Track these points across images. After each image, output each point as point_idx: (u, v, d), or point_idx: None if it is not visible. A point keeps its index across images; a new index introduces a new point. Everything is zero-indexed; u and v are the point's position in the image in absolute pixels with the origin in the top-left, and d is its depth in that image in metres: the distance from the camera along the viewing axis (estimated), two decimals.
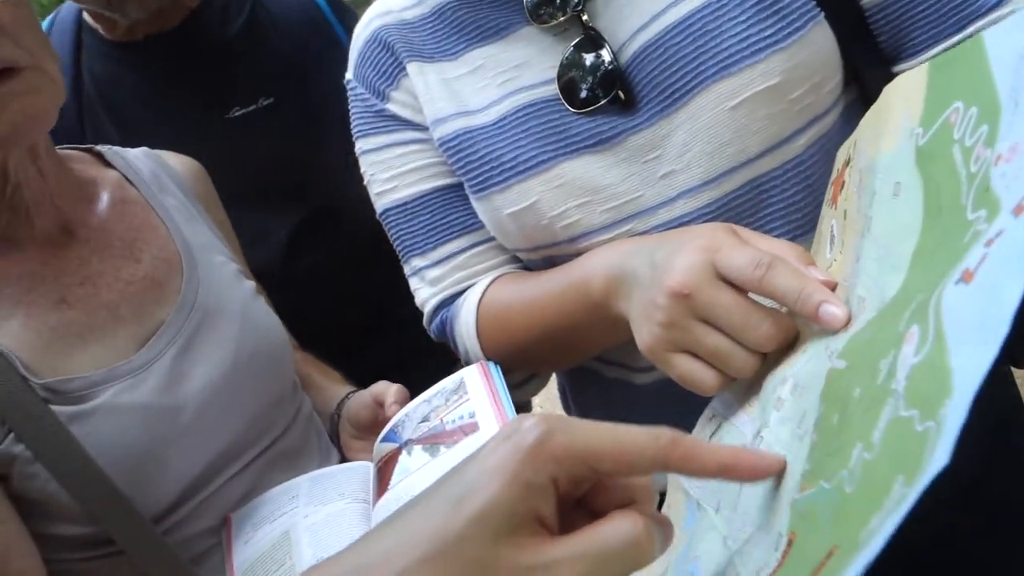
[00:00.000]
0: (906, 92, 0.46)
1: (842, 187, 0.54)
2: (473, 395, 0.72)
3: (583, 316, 0.68)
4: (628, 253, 0.62)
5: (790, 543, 0.37)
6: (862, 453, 0.34)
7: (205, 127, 1.15)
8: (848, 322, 0.44)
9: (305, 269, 1.22)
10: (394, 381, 0.86)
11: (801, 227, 0.71)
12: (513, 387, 0.79)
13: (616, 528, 0.37)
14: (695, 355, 0.53)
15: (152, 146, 0.98)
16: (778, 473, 0.41)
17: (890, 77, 0.69)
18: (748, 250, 0.50)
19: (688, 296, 0.51)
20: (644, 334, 0.56)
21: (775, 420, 0.46)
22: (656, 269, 0.55)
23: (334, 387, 0.98)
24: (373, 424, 0.86)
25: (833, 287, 0.49)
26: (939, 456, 0.28)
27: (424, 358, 1.02)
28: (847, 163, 0.54)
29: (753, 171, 0.69)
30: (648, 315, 0.55)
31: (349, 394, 0.94)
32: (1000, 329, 0.28)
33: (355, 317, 1.25)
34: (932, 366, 0.31)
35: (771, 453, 0.42)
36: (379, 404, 0.86)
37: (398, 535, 0.38)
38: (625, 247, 0.63)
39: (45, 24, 1.25)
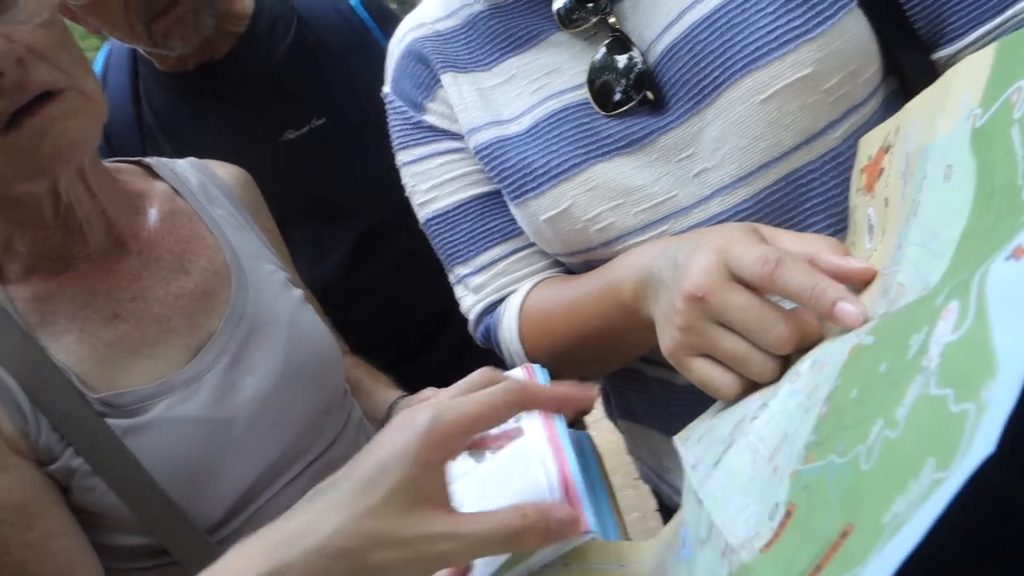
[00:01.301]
0: (969, 73, 0.44)
1: (880, 174, 0.52)
2: None
3: (618, 319, 0.67)
4: (656, 254, 0.60)
5: (789, 514, 0.37)
6: (883, 430, 0.32)
7: (260, 152, 1.17)
8: (865, 320, 0.42)
9: (366, 281, 1.25)
10: (448, 384, 0.86)
11: (842, 220, 0.68)
12: None
13: (509, 515, 0.45)
14: (715, 359, 0.52)
15: None
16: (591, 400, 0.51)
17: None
18: (758, 248, 0.48)
19: (702, 299, 0.50)
20: (665, 338, 0.55)
21: (785, 392, 0.45)
22: (676, 271, 0.54)
23: (384, 392, 0.98)
24: None
25: (872, 276, 0.47)
26: (982, 441, 0.26)
27: (480, 363, 1.02)
28: (886, 149, 0.52)
29: (789, 165, 0.67)
30: (668, 318, 0.54)
31: (398, 399, 0.94)
32: None
33: (414, 324, 1.27)
34: (971, 344, 0.29)
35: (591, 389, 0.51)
36: None
37: (316, 512, 0.45)
38: (655, 248, 0.62)
39: (102, 54, 1.29)
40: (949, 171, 0.42)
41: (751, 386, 0.50)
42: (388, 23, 1.25)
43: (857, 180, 0.56)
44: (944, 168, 0.43)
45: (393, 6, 1.40)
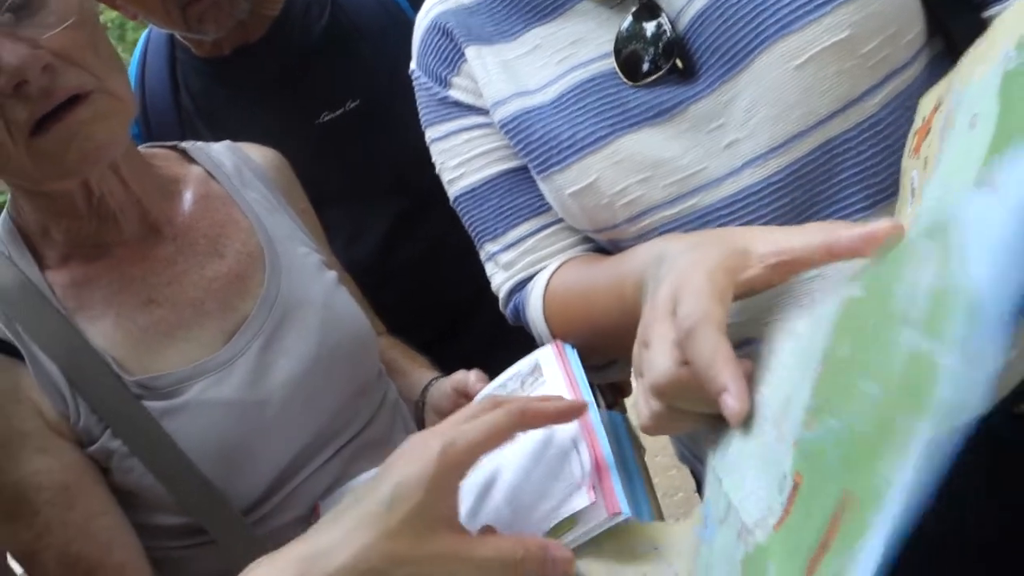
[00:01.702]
0: (1014, 16, 0.42)
1: (927, 134, 0.50)
2: (549, 377, 0.70)
3: (620, 318, 0.65)
4: (653, 260, 0.58)
5: (796, 486, 0.36)
6: (874, 389, 0.31)
7: (298, 135, 1.18)
8: (742, 420, 0.42)
9: (402, 262, 1.24)
10: (490, 365, 0.86)
11: (881, 192, 0.65)
12: (595, 370, 0.78)
13: (519, 545, 0.50)
14: None
15: None
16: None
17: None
18: (689, 305, 0.46)
19: (646, 325, 0.50)
20: (633, 353, 0.54)
21: (787, 352, 0.43)
22: (654, 290, 0.53)
23: (419, 373, 0.97)
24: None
25: (901, 231, 0.44)
26: (973, 397, 0.25)
27: (515, 343, 1.02)
28: (936, 108, 0.50)
29: (824, 134, 0.65)
30: (637, 334, 0.53)
31: (433, 380, 0.94)
32: None
33: (449, 305, 1.27)
34: (952, 287, 0.28)
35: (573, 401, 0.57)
36: (459, 393, 0.85)
37: (339, 531, 0.49)
38: (655, 250, 0.60)
39: (140, 41, 1.30)
40: (975, 119, 0.40)
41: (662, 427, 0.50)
42: (420, 3, 1.24)
43: (909, 143, 0.54)
44: (971, 117, 0.41)
45: None
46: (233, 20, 1.10)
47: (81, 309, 0.76)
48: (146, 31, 1.29)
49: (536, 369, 0.73)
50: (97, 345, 0.74)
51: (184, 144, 0.93)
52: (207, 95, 1.21)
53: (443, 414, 0.88)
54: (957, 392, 0.25)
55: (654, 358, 0.47)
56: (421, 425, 0.93)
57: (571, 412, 0.57)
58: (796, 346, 0.43)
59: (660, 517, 0.61)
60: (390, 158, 1.20)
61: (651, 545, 0.56)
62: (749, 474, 0.42)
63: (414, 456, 0.51)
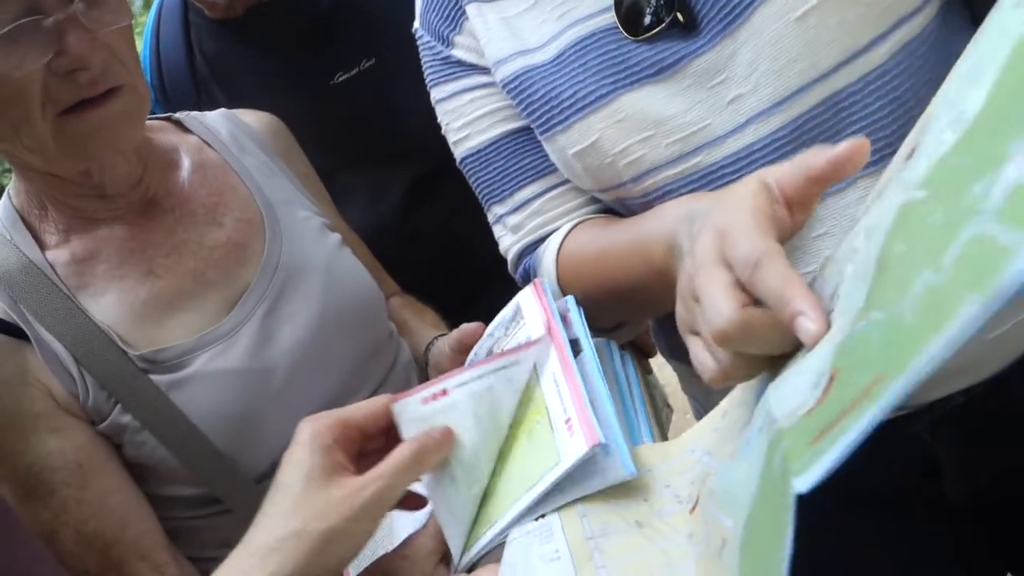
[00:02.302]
0: None
1: None
2: (528, 318, 0.69)
3: (649, 279, 0.65)
4: (682, 219, 0.57)
5: (832, 379, 0.35)
6: (929, 277, 0.30)
7: (313, 95, 1.16)
8: (818, 341, 0.40)
9: (422, 224, 1.24)
10: None
11: (889, 145, 0.63)
12: (603, 332, 0.77)
13: (400, 450, 0.55)
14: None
15: None
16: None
17: None
18: (747, 243, 0.45)
19: (691, 277, 0.48)
20: (676, 311, 0.53)
21: (850, 273, 0.42)
22: (690, 245, 0.52)
23: (426, 331, 0.97)
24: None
25: (862, 145, 0.44)
26: (1019, 268, 0.24)
27: None
28: None
29: (828, 87, 0.62)
30: (678, 292, 0.52)
31: (435, 339, 0.94)
32: None
33: (471, 267, 1.26)
34: None
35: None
36: (456, 352, 0.84)
37: (264, 511, 0.54)
38: (682, 210, 0.59)
39: (154, 5, 1.28)
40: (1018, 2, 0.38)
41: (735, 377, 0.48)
42: None
43: None
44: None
45: None
46: None
47: (83, 287, 0.76)
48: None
49: (517, 313, 0.72)
50: (101, 322, 0.74)
51: (178, 115, 0.92)
52: (221, 58, 1.20)
53: (443, 372, 0.88)
54: (1011, 265, 0.25)
55: (715, 305, 0.45)
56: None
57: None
58: (855, 264, 0.42)
59: (664, 438, 0.61)
60: (407, 118, 1.17)
61: (644, 468, 0.56)
62: (790, 377, 0.41)
63: (293, 441, 0.56)
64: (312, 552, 0.51)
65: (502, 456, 0.61)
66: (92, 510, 0.71)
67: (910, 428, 0.72)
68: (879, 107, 0.63)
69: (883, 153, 0.63)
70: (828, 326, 0.40)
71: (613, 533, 0.52)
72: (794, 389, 0.40)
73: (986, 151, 0.33)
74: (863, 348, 0.34)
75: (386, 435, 0.58)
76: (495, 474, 0.61)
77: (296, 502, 0.52)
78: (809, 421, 0.35)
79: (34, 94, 0.67)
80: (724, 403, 0.53)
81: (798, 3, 0.60)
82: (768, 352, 0.45)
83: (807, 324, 0.40)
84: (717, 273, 0.46)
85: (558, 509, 0.54)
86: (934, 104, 0.42)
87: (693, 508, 0.51)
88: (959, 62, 0.41)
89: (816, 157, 0.46)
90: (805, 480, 0.32)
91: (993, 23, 0.40)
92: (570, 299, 0.70)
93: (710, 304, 0.45)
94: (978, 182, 0.31)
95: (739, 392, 0.53)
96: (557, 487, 0.54)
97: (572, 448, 0.54)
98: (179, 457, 0.74)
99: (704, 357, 0.48)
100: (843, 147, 0.44)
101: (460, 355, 0.84)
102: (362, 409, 0.57)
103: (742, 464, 0.45)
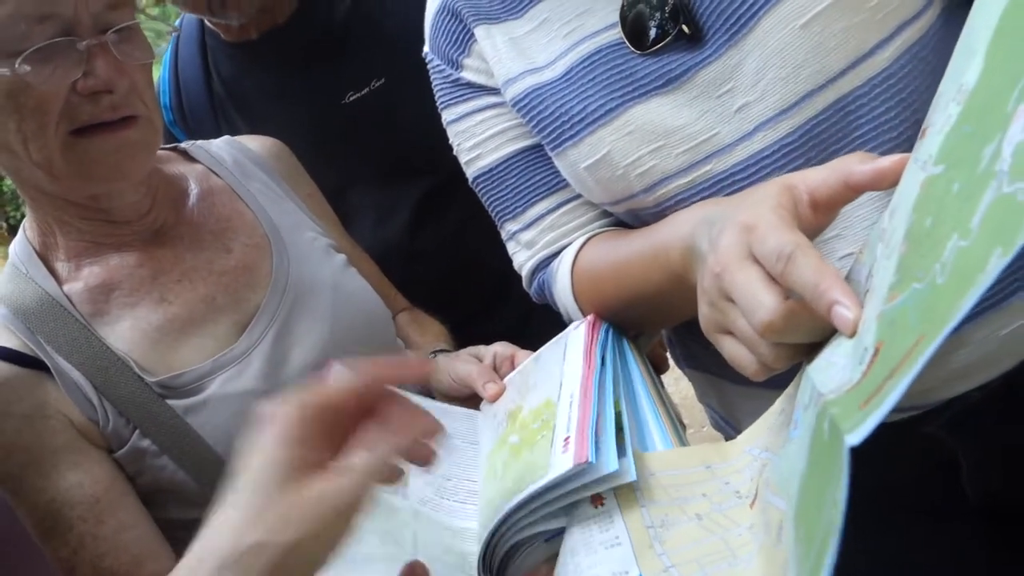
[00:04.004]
0: None
1: None
2: (571, 354, 0.71)
3: (667, 285, 0.65)
4: (700, 222, 0.58)
5: (876, 352, 0.36)
6: (958, 242, 0.32)
7: (325, 116, 1.18)
8: (855, 328, 0.41)
9: (431, 240, 1.24)
10: (524, 342, 0.86)
11: (898, 147, 0.64)
12: None
13: (367, 433, 0.48)
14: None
15: (279, 137, 1.02)
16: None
17: None
18: (777, 237, 0.45)
19: (719, 275, 0.49)
20: (699, 312, 0.54)
21: (881, 253, 0.43)
22: (711, 245, 0.53)
23: (426, 346, 0.98)
24: (466, 400, 0.86)
25: (904, 162, 0.44)
26: None
27: (549, 323, 1.02)
28: None
29: (835, 92, 0.63)
30: (700, 293, 0.53)
31: (435, 353, 0.94)
32: None
33: (481, 283, 1.26)
34: None
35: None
36: (463, 385, 0.85)
37: (220, 513, 0.46)
38: (699, 213, 0.60)
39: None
40: None
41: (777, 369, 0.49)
42: None
43: None
44: None
45: None
46: (254, 6, 1.11)
47: (98, 315, 0.77)
48: (179, 19, 1.29)
49: (564, 349, 0.73)
50: (117, 349, 0.75)
51: (184, 144, 0.94)
52: (236, 79, 1.21)
53: (450, 398, 0.88)
54: None
55: (756, 298, 0.46)
56: (430, 396, 0.93)
57: (412, 374, 0.56)
58: (884, 243, 0.43)
59: (681, 443, 0.62)
60: (417, 136, 1.18)
61: (703, 465, 0.58)
62: (837, 360, 0.42)
63: (262, 426, 0.49)
64: (274, 569, 0.43)
65: (504, 465, 0.63)
66: (108, 545, 0.71)
67: (927, 426, 0.71)
68: (885, 109, 0.63)
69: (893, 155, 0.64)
70: (861, 311, 0.41)
71: (672, 524, 0.53)
72: (839, 367, 0.41)
73: (989, 116, 0.34)
74: (903, 318, 0.35)
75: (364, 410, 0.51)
76: (499, 479, 0.63)
77: (257, 506, 0.45)
78: (856, 392, 0.36)
79: (54, 109, 0.70)
80: (779, 402, 0.54)
81: (802, 10, 0.61)
82: (810, 340, 0.46)
83: (844, 312, 0.41)
84: (748, 268, 0.47)
85: (617, 499, 0.55)
86: (942, 84, 0.43)
87: (753, 502, 0.52)
88: (960, 40, 0.42)
89: (858, 164, 0.47)
90: (858, 435, 0.33)
91: None
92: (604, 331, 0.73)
93: (750, 298, 0.46)
94: (988, 146, 0.32)
95: (792, 390, 0.54)
96: (544, 494, 0.56)
97: (561, 463, 0.56)
98: (197, 480, 0.75)
99: (742, 353, 0.49)
100: (889, 160, 0.46)
101: (461, 386, 0.85)
102: (340, 388, 0.50)
103: (791, 446, 0.46)
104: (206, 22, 1.21)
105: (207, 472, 0.75)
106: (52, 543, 0.71)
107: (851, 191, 0.48)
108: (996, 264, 0.28)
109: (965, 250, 0.31)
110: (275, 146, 0.99)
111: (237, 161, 0.93)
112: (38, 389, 0.73)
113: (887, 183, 0.46)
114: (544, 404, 0.67)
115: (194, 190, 0.87)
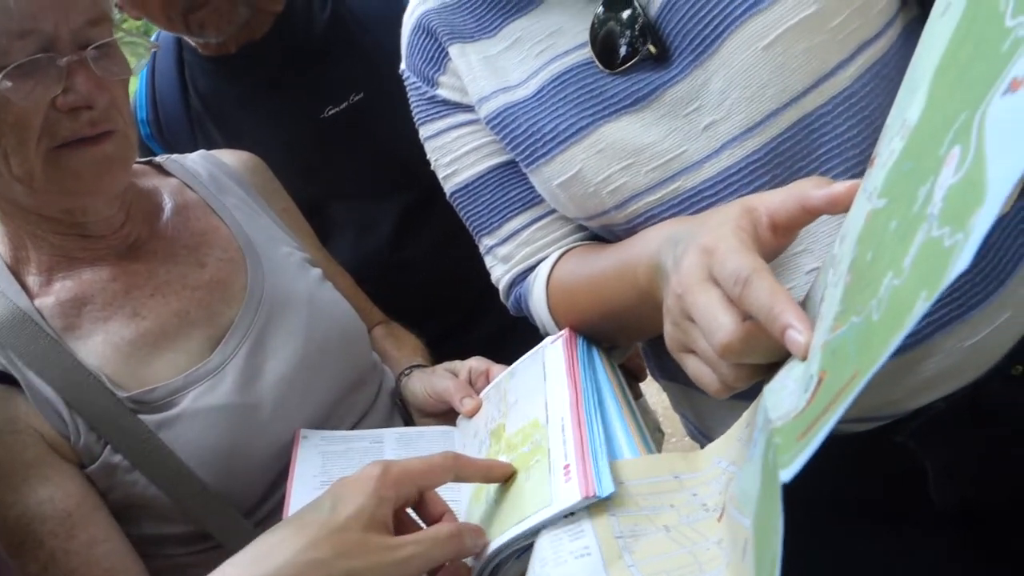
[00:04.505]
0: None
1: None
2: (552, 374, 0.72)
3: (636, 301, 0.66)
4: (665, 241, 0.59)
5: (820, 382, 0.38)
6: (892, 281, 0.34)
7: (303, 130, 1.18)
8: (806, 351, 0.42)
9: (412, 254, 1.25)
10: (505, 355, 0.86)
11: (860, 164, 0.65)
12: None
13: (441, 527, 0.58)
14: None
15: (257, 151, 1.02)
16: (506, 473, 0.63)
17: None
18: (735, 261, 0.47)
19: (681, 296, 0.50)
20: (664, 331, 0.55)
21: (830, 279, 0.45)
22: (674, 265, 0.54)
23: (402, 360, 0.98)
24: (442, 415, 0.87)
25: (856, 187, 0.46)
26: (962, 261, 0.27)
27: (528, 337, 1.02)
28: None
29: (799, 110, 0.64)
30: (665, 312, 0.54)
31: (410, 369, 0.94)
32: None
33: (461, 297, 1.27)
34: (969, 182, 0.30)
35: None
36: (438, 400, 0.86)
37: (291, 526, 0.55)
38: (666, 232, 0.61)
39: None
40: (947, 7, 0.40)
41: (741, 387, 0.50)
42: None
43: None
44: (944, 5, 0.41)
45: None
46: (234, 26, 1.11)
47: (70, 330, 0.76)
48: (155, 34, 1.30)
49: (541, 369, 0.74)
50: (89, 364, 0.75)
51: (158, 158, 0.94)
52: (214, 94, 1.22)
53: (426, 413, 0.89)
54: (955, 263, 0.28)
55: (715, 320, 0.47)
56: (405, 411, 0.94)
57: (499, 475, 0.63)
58: (834, 270, 0.45)
59: (650, 450, 0.63)
60: (396, 150, 1.19)
61: (671, 474, 0.58)
62: (788, 384, 0.43)
63: (357, 474, 0.58)
64: None
65: (497, 489, 0.64)
66: (79, 561, 0.71)
67: (896, 436, 0.72)
68: (848, 127, 0.65)
69: (854, 171, 0.65)
70: (808, 345, 0.42)
71: (642, 535, 0.53)
72: (789, 391, 0.42)
73: (926, 156, 0.35)
74: (843, 350, 0.36)
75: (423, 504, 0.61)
76: (491, 502, 0.64)
77: (330, 532, 0.53)
78: (798, 421, 0.38)
79: (34, 125, 0.70)
80: (746, 415, 0.55)
81: (765, 32, 0.62)
82: (768, 360, 0.47)
83: (796, 336, 0.42)
84: (708, 290, 0.48)
85: (588, 509, 0.56)
86: (890, 115, 0.44)
87: (720, 516, 0.52)
88: (907, 72, 0.43)
89: (814, 190, 0.48)
90: (790, 471, 0.35)
91: (926, 31, 0.42)
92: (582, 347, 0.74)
93: (710, 320, 0.47)
94: (922, 187, 0.33)
95: (758, 402, 0.55)
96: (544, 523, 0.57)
97: (566, 494, 0.56)
98: (170, 495, 0.74)
99: (704, 371, 0.50)
100: (843, 186, 0.47)
101: (437, 401, 0.86)
102: (427, 471, 0.60)
103: (749, 465, 0.47)
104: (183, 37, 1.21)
105: (179, 487, 0.74)
106: (22, 558, 0.70)
107: (808, 214, 0.49)
108: (921, 308, 0.30)
109: (898, 289, 0.33)
110: (251, 160, 0.99)
111: (212, 175, 0.93)
112: (8, 404, 0.72)
113: (841, 208, 0.47)
114: (531, 425, 0.67)
115: (168, 204, 0.87)
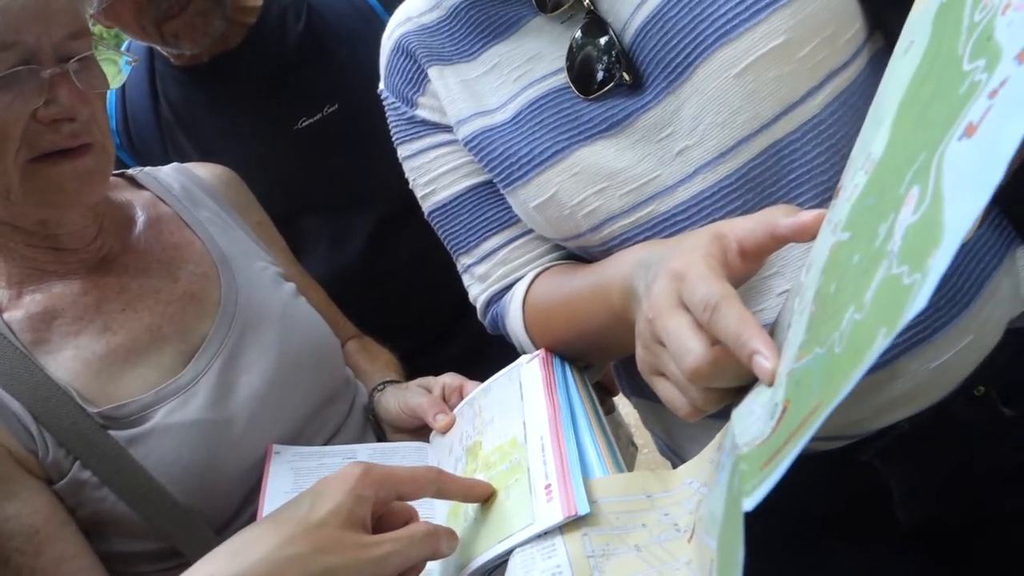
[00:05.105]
0: None
1: None
2: (529, 392, 0.73)
3: (610, 323, 0.67)
4: (638, 265, 0.61)
5: (784, 410, 0.39)
6: (853, 315, 0.35)
7: (277, 142, 1.18)
8: (773, 377, 0.43)
9: (385, 269, 1.24)
10: (479, 370, 0.87)
11: (829, 189, 0.67)
12: None
13: (418, 526, 0.58)
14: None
15: (229, 163, 1.01)
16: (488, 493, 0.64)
17: None
18: (705, 287, 0.48)
19: (652, 321, 0.51)
20: (636, 354, 0.56)
21: (796, 307, 0.46)
22: (646, 289, 0.55)
23: (375, 375, 0.98)
24: (416, 431, 0.88)
25: (822, 217, 0.47)
26: (919, 302, 0.28)
27: (502, 353, 1.02)
28: None
29: (769, 137, 0.66)
30: (637, 336, 0.55)
31: (383, 384, 0.94)
32: (993, 176, 0.27)
33: (435, 312, 1.27)
34: (927, 223, 0.31)
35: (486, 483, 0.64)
36: (413, 417, 0.87)
37: (269, 523, 0.56)
38: (639, 256, 0.62)
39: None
40: (910, 46, 0.42)
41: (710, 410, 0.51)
42: (394, 6, 1.24)
43: None
44: (907, 43, 0.43)
45: None
46: (209, 37, 1.11)
47: (40, 344, 0.76)
48: (126, 43, 1.29)
49: (519, 387, 0.75)
50: (59, 379, 0.74)
51: (131, 171, 0.93)
52: (186, 103, 1.21)
53: (401, 429, 0.89)
54: (912, 302, 0.29)
55: (684, 345, 0.48)
56: (378, 427, 0.94)
57: (479, 495, 0.64)
58: (799, 297, 0.46)
59: (620, 469, 0.64)
60: (370, 163, 1.19)
61: (644, 494, 0.59)
62: (755, 410, 0.44)
63: (337, 473, 0.58)
64: None
65: (476, 509, 0.65)
66: None
67: (861, 455, 0.73)
68: (817, 154, 0.66)
69: (823, 197, 0.67)
70: (775, 372, 0.43)
71: (613, 554, 0.54)
72: (756, 417, 0.43)
73: (887, 194, 0.36)
74: (808, 381, 0.37)
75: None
76: (470, 520, 0.64)
77: (308, 529, 0.54)
78: (763, 448, 0.38)
79: (14, 136, 0.70)
80: (718, 436, 0.56)
81: (736, 60, 0.63)
82: (736, 384, 0.48)
83: (763, 362, 0.43)
84: (678, 316, 0.49)
85: (560, 528, 0.56)
86: (855, 148, 0.45)
87: (690, 537, 0.53)
88: (872, 106, 0.44)
89: (782, 218, 0.49)
90: (752, 500, 0.36)
91: (890, 67, 0.44)
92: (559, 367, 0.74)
93: (680, 344, 0.48)
94: (883, 224, 0.35)
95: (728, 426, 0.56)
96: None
97: (548, 513, 0.57)
98: (139, 512, 0.74)
99: (674, 394, 0.51)
100: (810, 216, 0.48)
101: (411, 417, 0.86)
102: (409, 480, 0.60)
103: (717, 489, 0.48)
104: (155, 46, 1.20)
105: (149, 504, 0.74)
106: None
107: (777, 242, 0.50)
108: (881, 343, 0.31)
109: (859, 323, 0.34)
110: (225, 174, 0.99)
111: (186, 188, 0.92)
112: None
113: (808, 236, 0.48)
114: (509, 443, 0.68)
115: (141, 217, 0.87)
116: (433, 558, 0.59)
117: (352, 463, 0.59)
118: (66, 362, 0.75)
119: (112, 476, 0.73)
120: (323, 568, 0.52)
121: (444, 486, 0.62)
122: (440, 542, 0.58)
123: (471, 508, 0.65)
